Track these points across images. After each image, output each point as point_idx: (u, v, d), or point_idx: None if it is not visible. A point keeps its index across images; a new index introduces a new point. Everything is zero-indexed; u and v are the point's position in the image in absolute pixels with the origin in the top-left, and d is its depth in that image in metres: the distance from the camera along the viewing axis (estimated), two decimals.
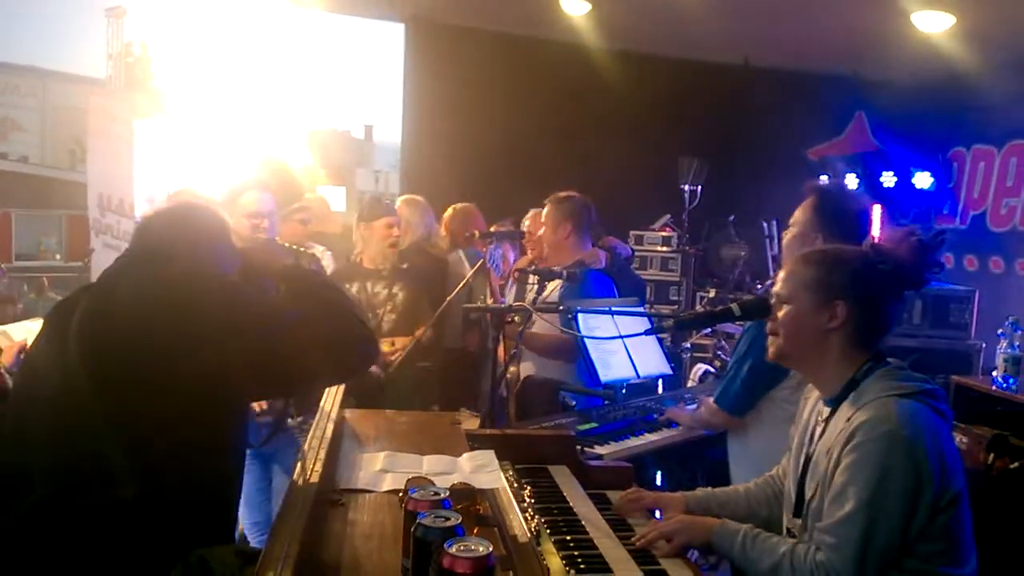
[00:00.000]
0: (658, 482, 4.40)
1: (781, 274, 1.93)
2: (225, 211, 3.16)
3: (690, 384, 5.43)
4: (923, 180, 7.32)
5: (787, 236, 2.62)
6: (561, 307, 2.91)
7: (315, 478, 1.59)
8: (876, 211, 6.85)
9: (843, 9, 6.66)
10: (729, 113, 8.00)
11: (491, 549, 1.16)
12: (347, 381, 2.15)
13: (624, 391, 3.99)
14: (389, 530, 1.54)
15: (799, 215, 2.59)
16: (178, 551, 1.51)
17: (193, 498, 1.57)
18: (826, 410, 1.89)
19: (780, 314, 1.89)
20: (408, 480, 1.75)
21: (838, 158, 7.92)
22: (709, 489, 2.23)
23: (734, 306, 1.97)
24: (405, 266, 3.88)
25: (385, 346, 3.61)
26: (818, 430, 1.91)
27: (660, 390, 4.70)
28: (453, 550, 1.14)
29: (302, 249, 3.36)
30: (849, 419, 1.76)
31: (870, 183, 7.31)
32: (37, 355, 1.82)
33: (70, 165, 20.94)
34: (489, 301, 3.93)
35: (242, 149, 8.52)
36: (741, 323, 2.78)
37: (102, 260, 7.72)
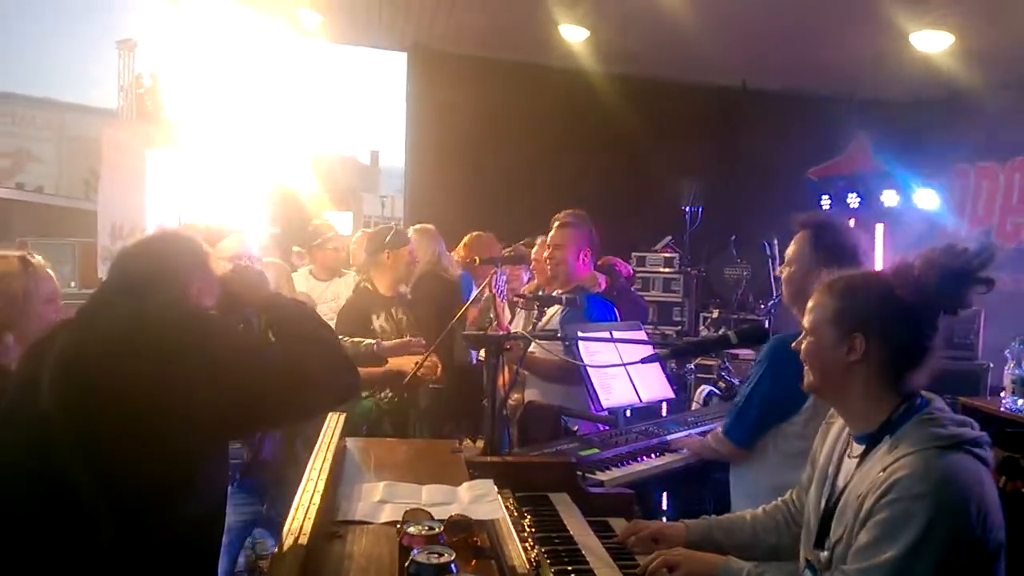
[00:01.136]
0: (664, 506, 4.37)
1: (808, 304, 1.85)
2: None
3: (694, 406, 5.41)
4: (926, 198, 7.32)
5: (785, 272, 2.56)
6: (559, 335, 2.90)
7: (313, 512, 1.58)
8: (879, 231, 6.87)
9: (841, 31, 6.71)
10: (729, 135, 8.05)
11: None
12: (328, 412, 2.12)
13: (628, 415, 3.99)
14: (386, 563, 1.53)
15: (795, 251, 2.55)
16: None
17: (174, 540, 1.56)
18: (858, 447, 1.80)
19: (804, 346, 1.82)
20: (405, 512, 1.74)
21: (839, 178, 7.93)
22: (713, 517, 2.19)
23: (731, 334, 1.96)
24: (408, 294, 3.95)
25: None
26: (846, 465, 1.82)
27: (664, 413, 4.70)
28: None
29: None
30: (885, 469, 1.65)
31: (871, 203, 7.31)
32: (12, 396, 1.75)
33: (84, 195, 21.11)
34: (494, 326, 3.94)
35: (250, 177, 8.60)
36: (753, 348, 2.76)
37: None
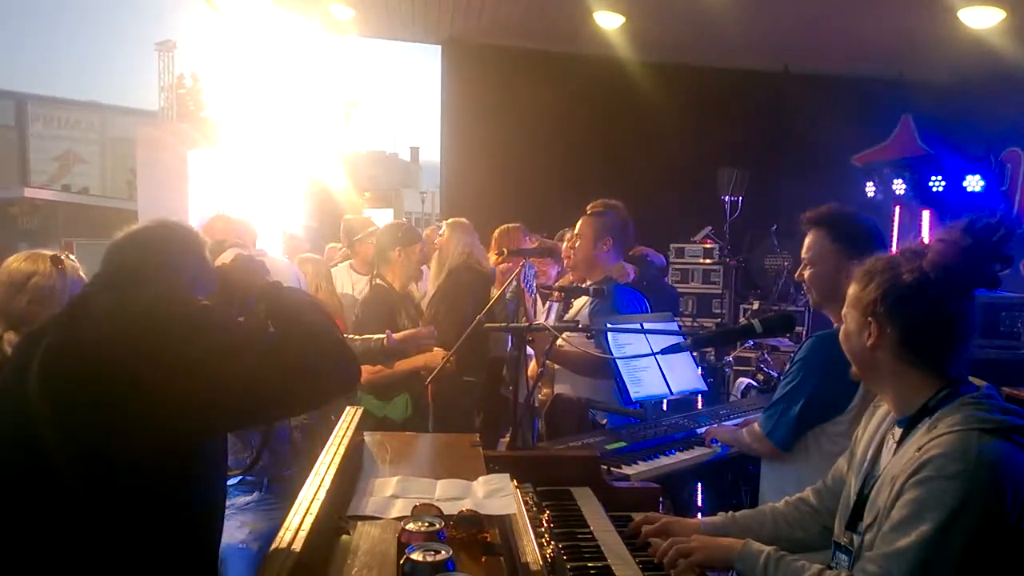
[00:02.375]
0: (699, 501, 4.29)
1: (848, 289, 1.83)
2: None
3: (732, 399, 5.31)
4: (974, 183, 7.08)
5: (807, 274, 2.47)
6: (580, 325, 2.84)
7: (316, 506, 1.55)
8: (925, 217, 6.66)
9: (886, 10, 6.52)
10: (770, 121, 7.88)
11: None
12: (326, 404, 2.07)
13: (665, 408, 3.91)
14: (391, 560, 1.49)
15: (815, 250, 2.46)
16: None
17: (167, 537, 1.54)
18: (899, 430, 1.75)
19: (841, 334, 1.81)
20: (414, 507, 1.70)
21: (884, 163, 7.72)
22: (730, 514, 2.11)
23: (755, 322, 1.89)
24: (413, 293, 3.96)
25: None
26: (886, 449, 1.78)
27: (700, 406, 4.61)
28: None
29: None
30: (920, 448, 1.59)
31: (919, 188, 7.10)
32: (1, 382, 1.75)
33: (128, 195, 21.55)
34: (523, 319, 3.90)
35: (290, 175, 8.66)
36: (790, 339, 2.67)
37: None
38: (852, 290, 1.76)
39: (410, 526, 1.32)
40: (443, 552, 1.19)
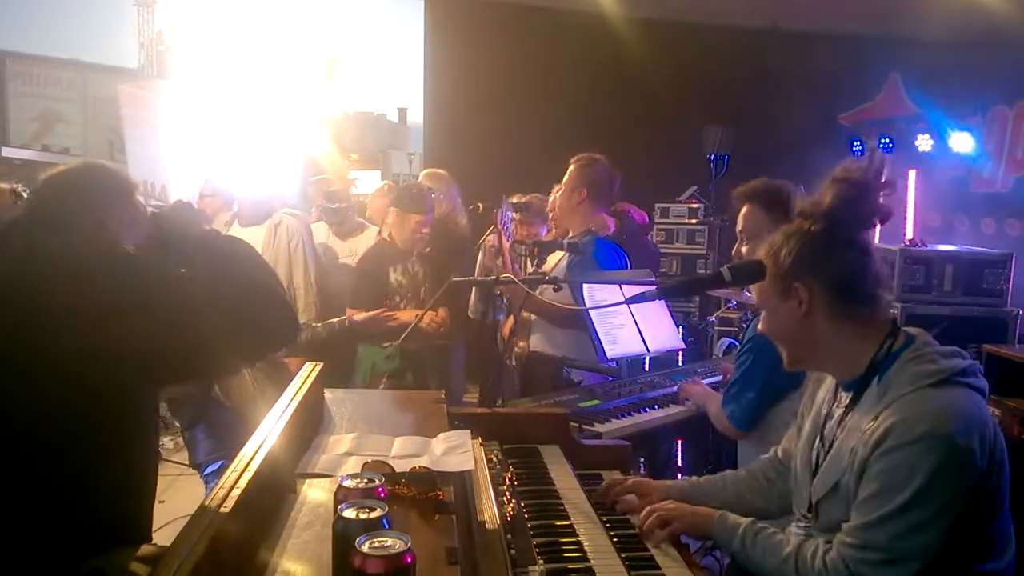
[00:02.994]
0: (678, 460, 4.25)
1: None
2: None
3: (714, 358, 5.26)
4: (961, 142, 6.99)
5: (747, 250, 2.46)
6: (547, 279, 2.76)
7: (256, 462, 1.47)
8: (911, 176, 6.58)
9: None
10: (756, 79, 7.74)
11: (409, 545, 1.02)
12: (260, 361, 1.98)
13: (648, 368, 3.85)
14: (329, 519, 1.41)
15: (751, 224, 2.48)
16: (77, 555, 1.39)
17: (91, 494, 1.45)
18: (846, 396, 1.73)
19: (762, 324, 1.80)
20: (364, 464, 1.63)
21: (871, 122, 7.61)
22: (694, 479, 2.08)
23: (724, 270, 1.81)
24: (427, 250, 3.92)
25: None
26: (836, 414, 1.75)
27: (681, 365, 4.56)
28: (365, 547, 1.01)
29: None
30: (877, 417, 1.58)
31: (904, 147, 7.00)
32: None
33: (109, 155, 21.19)
34: (500, 268, 3.82)
35: (275, 134, 8.53)
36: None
37: None
38: (765, 270, 1.73)
39: (347, 483, 1.24)
40: (378, 509, 1.11)
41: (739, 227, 2.52)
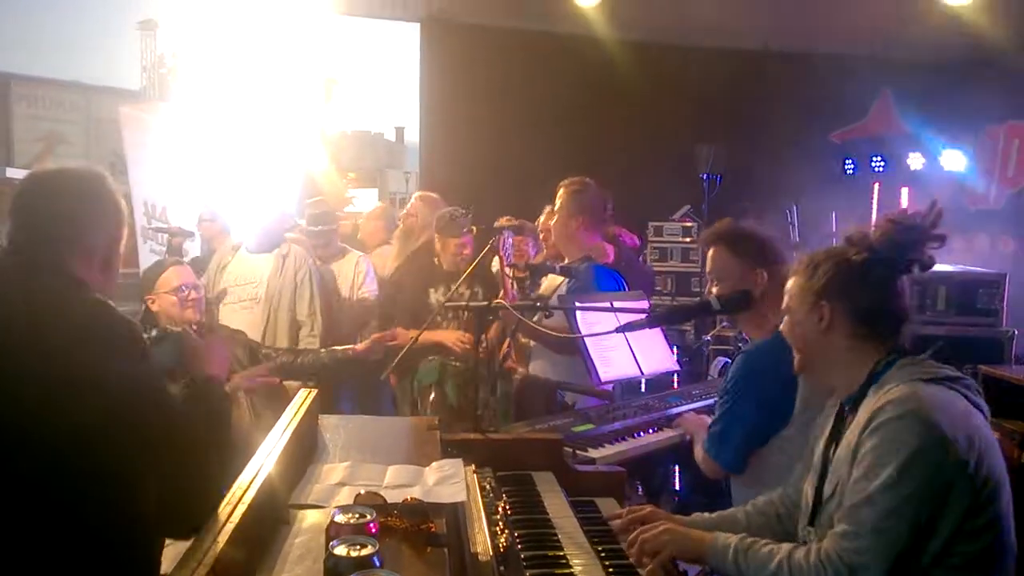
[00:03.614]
0: (675, 484, 4.23)
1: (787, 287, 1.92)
2: (151, 296, 3.13)
3: (709, 378, 5.26)
4: (953, 160, 7.03)
5: (715, 291, 2.47)
6: (539, 306, 2.77)
7: (250, 495, 1.47)
8: (904, 195, 6.62)
9: None
10: (748, 99, 7.80)
11: None
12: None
13: (644, 389, 3.84)
14: (321, 553, 1.42)
15: (719, 265, 2.49)
16: None
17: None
18: (845, 413, 1.79)
19: (783, 327, 1.90)
20: (357, 495, 1.63)
21: (863, 140, 7.66)
22: (706, 515, 2.07)
23: (712, 299, 1.84)
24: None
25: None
26: (838, 440, 1.78)
27: (676, 386, 4.55)
28: None
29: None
30: (870, 409, 1.65)
31: (896, 166, 7.05)
32: None
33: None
34: (501, 295, 3.84)
35: (273, 156, 8.58)
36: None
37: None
38: (796, 282, 1.84)
39: (339, 518, 1.25)
40: (369, 546, 1.12)
41: (708, 268, 2.55)
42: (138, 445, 1.53)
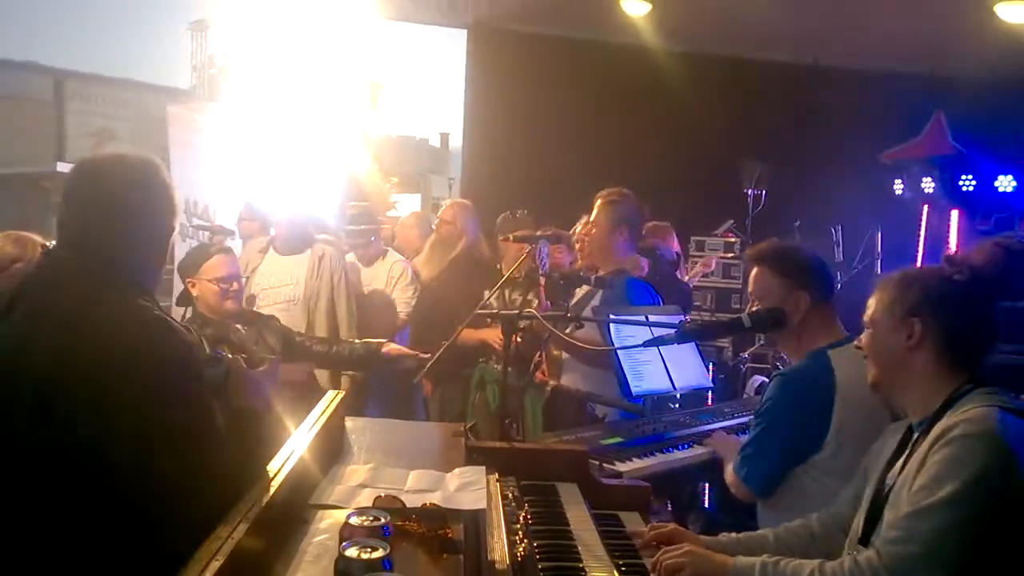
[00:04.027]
0: (706, 503, 4.18)
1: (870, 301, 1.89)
2: (192, 279, 3.08)
3: (745, 397, 5.20)
4: (1006, 184, 6.87)
5: (756, 310, 2.43)
6: (571, 317, 2.75)
7: (269, 492, 1.48)
8: (954, 217, 6.48)
9: (919, 3, 6.31)
10: (797, 115, 7.69)
11: None
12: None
13: (678, 405, 3.80)
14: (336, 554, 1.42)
15: (761, 286, 2.44)
16: None
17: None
18: (914, 436, 1.76)
19: (863, 339, 1.86)
20: (376, 498, 1.63)
21: (914, 161, 7.51)
22: (733, 535, 2.05)
23: (744, 316, 1.82)
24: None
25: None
26: (902, 458, 1.76)
27: (711, 403, 4.51)
28: None
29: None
30: (940, 428, 1.63)
31: (948, 187, 6.90)
32: None
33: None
34: (534, 305, 3.82)
35: (317, 158, 8.70)
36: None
37: None
38: (883, 297, 1.81)
39: (353, 520, 1.25)
40: (380, 550, 1.12)
41: (750, 287, 2.51)
42: (178, 475, 1.53)
